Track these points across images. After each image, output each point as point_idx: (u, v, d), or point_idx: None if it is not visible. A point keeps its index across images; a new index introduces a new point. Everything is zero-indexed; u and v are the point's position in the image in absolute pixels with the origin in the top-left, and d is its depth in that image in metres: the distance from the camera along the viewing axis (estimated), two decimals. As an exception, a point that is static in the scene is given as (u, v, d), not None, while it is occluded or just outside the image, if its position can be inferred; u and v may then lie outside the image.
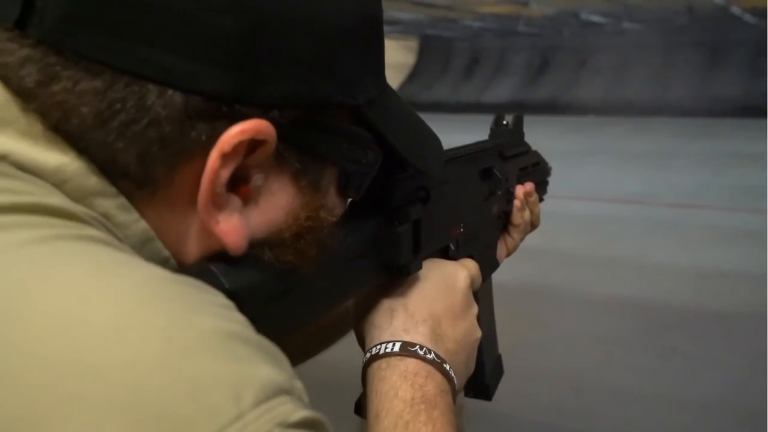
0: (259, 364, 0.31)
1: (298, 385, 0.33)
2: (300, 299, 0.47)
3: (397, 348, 0.53)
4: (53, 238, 0.33)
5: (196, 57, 0.37)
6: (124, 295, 0.31)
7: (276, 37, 0.38)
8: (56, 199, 0.35)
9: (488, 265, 0.76)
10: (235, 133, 0.38)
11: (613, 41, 14.69)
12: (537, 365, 2.45)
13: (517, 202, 0.81)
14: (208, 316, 0.32)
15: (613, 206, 5.45)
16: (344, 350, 0.74)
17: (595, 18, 13.13)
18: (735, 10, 11.74)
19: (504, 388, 0.77)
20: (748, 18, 12.29)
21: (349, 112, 0.44)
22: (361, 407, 0.54)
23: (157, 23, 0.36)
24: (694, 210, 5.28)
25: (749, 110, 10.49)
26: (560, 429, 2.23)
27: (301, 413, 0.31)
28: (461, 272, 0.62)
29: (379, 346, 0.54)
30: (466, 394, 0.72)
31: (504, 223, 0.82)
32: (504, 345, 0.80)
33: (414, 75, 16.81)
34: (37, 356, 0.28)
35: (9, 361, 0.28)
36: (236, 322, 0.34)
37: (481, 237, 0.75)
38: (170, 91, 0.37)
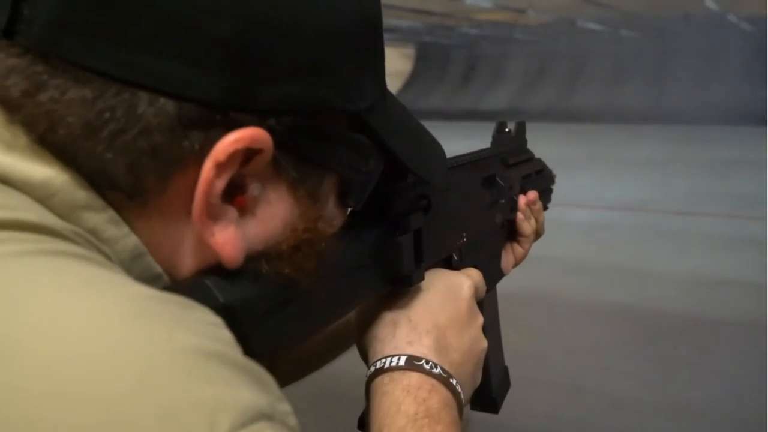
0: (239, 386, 0.30)
1: (283, 408, 0.32)
2: (299, 313, 0.45)
3: (402, 362, 0.51)
4: (25, 254, 0.31)
5: (190, 62, 0.35)
6: (101, 315, 0.29)
7: (271, 42, 0.37)
8: (35, 215, 0.34)
9: (493, 275, 0.74)
10: (230, 141, 0.36)
11: (610, 48, 14.76)
12: (534, 373, 2.44)
13: (520, 214, 0.80)
14: (190, 334, 0.31)
15: (610, 214, 5.45)
16: (346, 360, 0.72)
17: (592, 25, 13.19)
18: (731, 17, 11.80)
19: (501, 396, 0.76)
20: (745, 25, 12.36)
21: (349, 118, 0.43)
22: (364, 423, 0.53)
23: (149, 28, 0.34)
24: (692, 217, 5.28)
25: (746, 117, 10.53)
26: (558, 438, 2.22)
27: None
28: (465, 281, 0.60)
29: (383, 360, 0.52)
30: (473, 408, 0.70)
31: (508, 232, 0.81)
32: (502, 353, 0.79)
33: (411, 82, 16.86)
34: (4, 384, 0.26)
35: None
36: (220, 341, 0.32)
37: (485, 246, 0.73)
38: (162, 99, 0.35)
